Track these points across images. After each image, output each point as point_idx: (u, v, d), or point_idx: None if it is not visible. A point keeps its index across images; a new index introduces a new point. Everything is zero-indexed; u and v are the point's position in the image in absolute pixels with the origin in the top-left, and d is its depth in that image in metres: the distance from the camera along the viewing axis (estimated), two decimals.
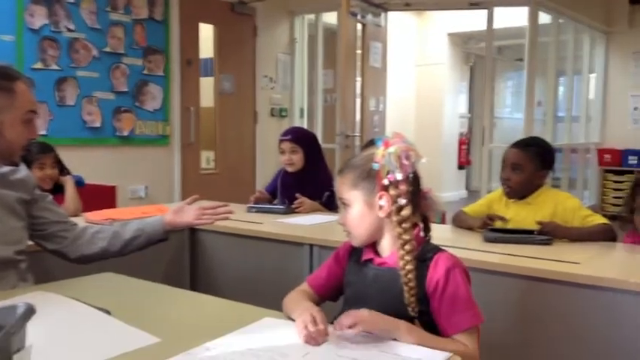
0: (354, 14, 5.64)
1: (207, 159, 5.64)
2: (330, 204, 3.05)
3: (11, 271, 1.69)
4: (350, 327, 1.19)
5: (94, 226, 1.97)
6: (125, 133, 4.69)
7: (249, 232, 2.53)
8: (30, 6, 4.11)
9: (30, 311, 1.01)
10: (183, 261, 2.66)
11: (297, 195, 2.98)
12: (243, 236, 2.55)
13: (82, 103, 4.41)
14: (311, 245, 2.31)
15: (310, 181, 3.07)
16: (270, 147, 5.89)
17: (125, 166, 4.66)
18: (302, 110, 6.36)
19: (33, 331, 0.99)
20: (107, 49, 4.55)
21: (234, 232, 2.57)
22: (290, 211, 2.92)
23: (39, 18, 4.16)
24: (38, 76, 4.15)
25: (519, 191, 2.40)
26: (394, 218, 1.30)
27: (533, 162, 2.37)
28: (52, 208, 1.88)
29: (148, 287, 1.67)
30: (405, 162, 1.28)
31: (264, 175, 5.62)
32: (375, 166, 1.31)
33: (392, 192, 1.30)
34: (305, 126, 6.09)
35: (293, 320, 1.31)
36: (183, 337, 1.27)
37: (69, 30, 4.33)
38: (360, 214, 1.35)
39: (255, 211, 2.94)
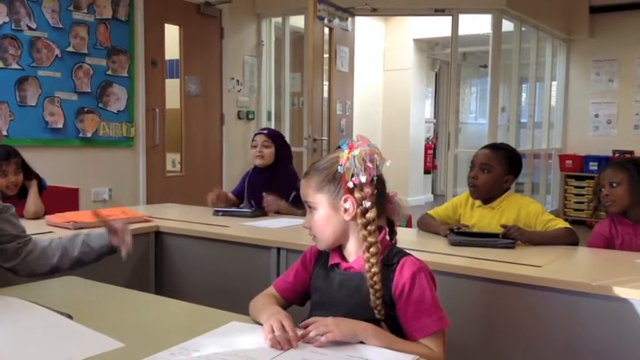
0: (321, 18, 5.65)
1: (172, 161, 5.57)
2: (297, 203, 3.06)
3: None
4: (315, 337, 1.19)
5: (43, 241, 1.83)
6: (88, 135, 4.60)
7: (216, 236, 2.51)
8: None
9: None
10: (149, 264, 2.62)
11: (264, 194, 3.00)
12: (209, 239, 2.53)
13: (43, 103, 4.31)
14: (278, 248, 2.31)
15: (277, 180, 3.11)
16: (237, 149, 5.87)
17: (88, 168, 4.57)
18: (269, 113, 6.34)
19: None
20: (70, 49, 4.46)
21: (201, 235, 2.55)
22: (257, 214, 2.91)
23: None
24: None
25: (485, 192, 2.43)
26: (359, 221, 1.31)
27: (501, 165, 2.41)
28: (12, 220, 1.78)
29: (111, 291, 1.64)
30: (369, 164, 1.29)
31: (231, 178, 5.58)
32: (340, 168, 1.31)
33: (357, 195, 1.30)
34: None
35: (260, 324, 1.30)
36: (148, 341, 1.25)
37: (30, 29, 4.22)
38: (325, 217, 1.35)
39: (222, 215, 2.92)
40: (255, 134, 3.26)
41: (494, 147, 2.52)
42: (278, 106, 6.39)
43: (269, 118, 6.32)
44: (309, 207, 1.38)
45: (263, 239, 2.37)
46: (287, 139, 6.02)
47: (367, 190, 1.29)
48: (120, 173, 4.88)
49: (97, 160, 4.66)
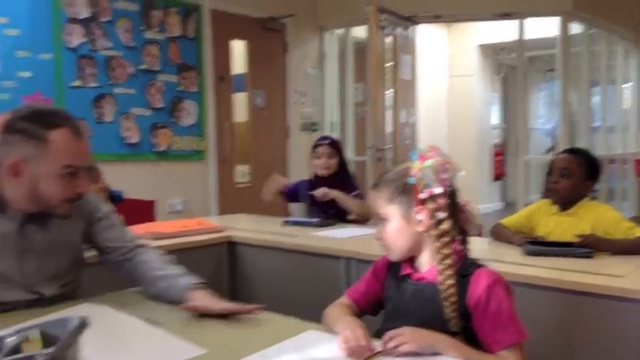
0: (383, 28, 5.66)
1: (241, 173, 5.70)
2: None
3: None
4: (395, 348, 1.20)
5: (146, 262, 1.72)
6: (162, 149, 4.79)
7: (286, 245, 2.55)
8: (67, 25, 4.23)
9: (83, 324, 1.04)
10: (223, 273, 2.69)
11: (314, 192, 3.06)
12: (279, 249, 2.58)
13: (119, 119, 4.52)
14: (347, 258, 2.32)
15: (340, 187, 3.13)
16: (301, 161, 5.93)
17: (163, 181, 4.74)
18: (333, 124, 6.39)
19: (84, 342, 1.02)
20: (143, 67, 4.66)
21: (271, 245, 2.60)
22: (325, 224, 2.94)
23: (76, 37, 4.28)
24: (77, 94, 4.27)
25: (566, 197, 2.36)
26: (433, 232, 1.31)
27: (581, 169, 2.35)
28: (112, 231, 1.74)
29: None
30: (443, 175, 1.29)
31: None
32: (411, 180, 1.31)
33: (430, 206, 1.30)
34: None
35: (335, 333, 1.32)
36: (228, 348, 1.29)
37: (105, 48, 4.44)
38: (397, 228, 1.36)
39: (291, 224, 2.97)
40: (317, 144, 3.23)
41: (573, 151, 2.47)
42: (341, 116, 6.43)
43: (332, 129, 6.37)
44: (381, 219, 1.39)
45: (332, 249, 2.39)
46: (350, 148, 6.12)
47: (441, 201, 1.29)
48: (192, 185, 5.04)
49: (171, 173, 4.84)
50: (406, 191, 1.33)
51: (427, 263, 1.36)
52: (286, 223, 3.01)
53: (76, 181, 1.53)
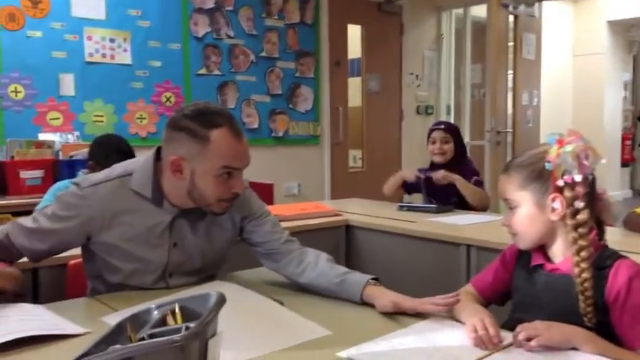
0: (506, 6, 5.42)
1: (354, 157, 5.74)
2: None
3: None
4: (526, 340, 1.16)
5: (306, 261, 1.66)
6: (280, 134, 4.93)
7: (403, 231, 2.54)
8: (194, 15, 4.45)
9: (222, 300, 1.10)
10: (339, 257, 2.73)
11: (433, 174, 2.98)
12: (396, 234, 2.57)
13: (241, 106, 4.70)
14: (468, 245, 2.27)
15: (456, 172, 3.02)
16: (415, 145, 5.86)
17: (280, 165, 4.89)
18: (449, 107, 6.24)
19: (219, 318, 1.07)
20: (263, 54, 4.80)
21: (389, 229, 2.60)
22: (442, 209, 2.88)
23: (202, 26, 4.49)
24: (202, 82, 4.49)
25: None
26: (569, 222, 1.24)
27: None
28: (265, 227, 1.70)
29: None
30: (585, 162, 1.22)
31: None
32: (548, 165, 1.25)
33: (567, 194, 1.23)
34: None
35: (459, 322, 1.30)
36: (353, 331, 1.31)
37: (229, 37, 4.62)
38: (528, 216, 1.30)
39: (407, 210, 2.95)
40: (432, 129, 3.16)
41: None
42: (457, 99, 6.26)
43: (448, 112, 6.23)
44: (510, 205, 1.34)
45: (452, 235, 2.35)
46: (467, 132, 5.95)
47: (580, 189, 1.22)
48: (307, 169, 5.15)
49: (287, 158, 4.97)
50: (541, 177, 1.27)
51: (561, 254, 1.30)
52: (402, 208, 2.99)
53: (232, 181, 1.51)
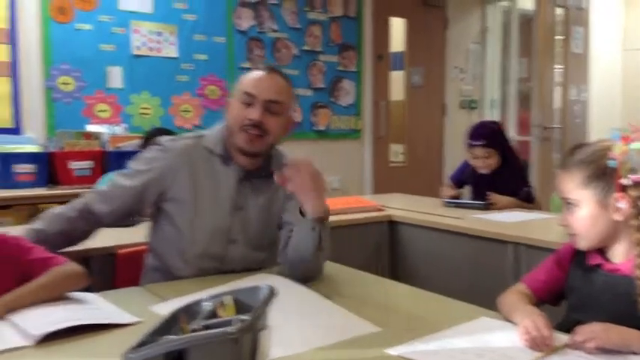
0: None
1: (395, 152, 5.69)
2: (529, 199, 2.92)
3: None
4: (583, 343, 1.12)
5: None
6: (321, 128, 4.92)
7: (449, 227, 2.50)
8: (238, 9, 4.47)
9: (272, 293, 1.10)
10: (383, 251, 2.72)
11: (488, 193, 2.88)
12: (442, 230, 2.53)
13: None
14: (515, 244, 2.22)
15: (505, 179, 2.95)
16: (459, 139, 5.75)
17: (321, 159, 4.81)
18: (493, 101, 6.13)
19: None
20: (306, 48, 4.79)
21: (434, 225, 2.57)
22: (488, 207, 2.83)
23: (246, 20, 4.51)
24: None
25: None
26: (633, 222, 1.19)
27: None
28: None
29: (361, 276, 1.73)
30: None
31: (451, 169, 5.50)
32: (613, 163, 1.20)
33: (632, 193, 1.18)
34: (497, 118, 5.86)
35: (511, 322, 1.27)
36: (402, 328, 1.29)
37: (273, 30, 4.63)
38: (590, 215, 1.25)
39: (453, 206, 2.90)
40: (471, 144, 2.96)
41: None
42: (503, 93, 6.14)
43: (493, 107, 6.11)
44: (569, 203, 1.29)
45: (500, 233, 2.30)
46: (512, 128, 5.82)
47: None
48: (348, 164, 5.13)
49: (329, 152, 4.96)
50: (604, 175, 1.22)
51: (622, 254, 1.25)
52: (448, 204, 2.94)
53: (250, 109, 1.63)
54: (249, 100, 1.64)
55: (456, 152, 5.66)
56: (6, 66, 3.62)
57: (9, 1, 3.60)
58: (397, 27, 5.55)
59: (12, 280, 1.34)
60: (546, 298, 1.41)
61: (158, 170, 1.66)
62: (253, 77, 1.67)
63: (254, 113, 1.63)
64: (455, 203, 2.94)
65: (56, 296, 1.36)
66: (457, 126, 5.75)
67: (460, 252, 2.46)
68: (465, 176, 3.16)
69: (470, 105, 5.96)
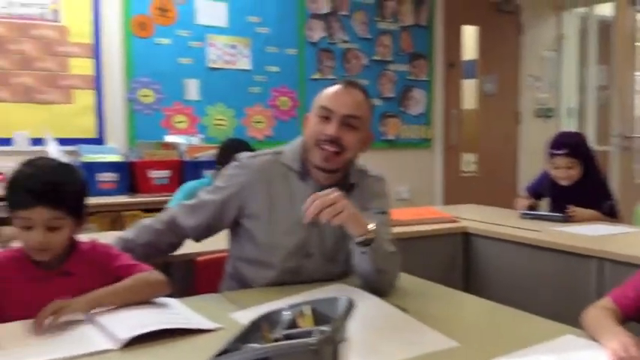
0: (634, 3, 5.05)
1: (467, 162, 5.58)
2: (612, 213, 2.79)
3: None
4: None
5: None
6: (391, 137, 4.90)
7: (527, 240, 2.42)
8: (309, 21, 4.53)
9: (351, 305, 1.10)
10: (457, 264, 2.66)
11: (569, 206, 2.76)
12: (519, 244, 2.46)
13: None
14: (600, 259, 2.13)
15: (587, 192, 2.82)
16: (533, 149, 5.59)
17: (390, 169, 4.80)
18: (570, 110, 5.91)
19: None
20: (376, 57, 4.80)
21: (510, 238, 2.49)
22: (568, 219, 2.72)
23: (317, 32, 4.56)
24: (317, 86, 4.52)
25: None
26: None
27: None
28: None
29: (436, 289, 1.71)
30: None
31: (526, 179, 5.35)
32: None
33: None
34: (574, 127, 5.66)
35: (596, 341, 1.22)
36: (481, 345, 1.26)
37: (343, 41, 4.66)
38: None
39: (530, 218, 2.81)
40: (553, 154, 2.84)
41: None
42: (581, 101, 5.91)
43: (569, 115, 5.89)
44: None
45: (582, 247, 2.20)
46: (591, 137, 5.59)
47: None
48: (418, 173, 5.08)
49: (398, 161, 4.93)
50: None
51: None
52: (525, 215, 2.85)
53: (327, 124, 1.62)
54: (326, 114, 1.63)
55: (531, 162, 5.50)
56: (91, 79, 3.82)
57: (93, 18, 3.80)
58: (469, 34, 5.47)
59: (99, 285, 1.41)
60: (634, 316, 1.34)
61: (237, 187, 1.68)
62: (331, 92, 1.66)
63: (331, 128, 1.61)
64: (532, 215, 2.85)
65: (137, 300, 1.41)
66: (532, 135, 5.59)
67: (539, 266, 2.38)
68: (542, 188, 3.04)
69: (546, 113, 5.78)
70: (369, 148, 1.74)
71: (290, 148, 1.73)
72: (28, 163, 1.45)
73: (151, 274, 1.48)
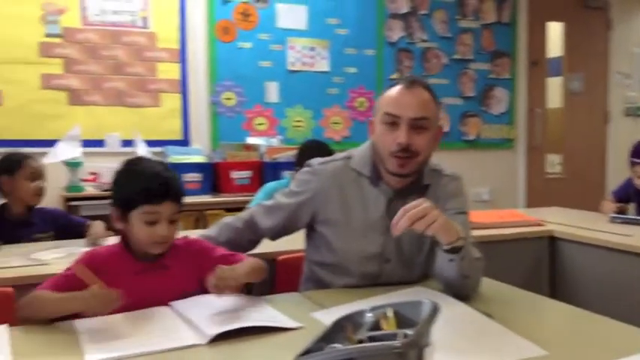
0: None
1: (552, 162, 5.38)
2: None
3: None
4: None
5: None
6: (471, 137, 4.80)
7: (617, 245, 2.32)
8: (388, 21, 4.51)
9: (436, 309, 1.08)
10: (542, 269, 2.58)
11: None
12: (608, 248, 2.35)
13: None
14: None
15: None
16: (623, 150, 5.30)
17: (470, 170, 4.74)
18: None
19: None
20: (456, 56, 4.72)
21: (600, 243, 2.39)
22: None
23: (396, 32, 4.54)
24: None
25: None
26: None
27: None
28: None
29: (521, 294, 1.66)
30: None
31: (615, 181, 5.09)
32: None
33: None
34: None
35: None
36: (572, 353, 1.21)
37: (422, 40, 4.61)
38: None
39: (620, 222, 2.68)
40: (633, 162, 2.76)
41: None
42: None
43: None
44: None
45: None
46: None
47: None
48: (499, 175, 4.95)
49: (478, 162, 4.82)
50: None
51: None
52: (614, 219, 2.72)
53: (397, 132, 1.55)
54: (392, 120, 1.56)
55: (621, 163, 5.22)
56: (177, 83, 3.97)
57: (180, 24, 3.95)
58: (554, 31, 5.26)
59: (193, 277, 1.50)
60: None
61: (310, 192, 1.69)
62: (394, 95, 1.58)
63: (401, 137, 1.54)
64: (622, 219, 2.72)
65: (258, 280, 1.54)
66: (622, 135, 5.32)
67: (630, 272, 2.27)
68: (629, 194, 2.91)
69: (636, 112, 5.49)
70: (439, 143, 1.67)
71: (359, 153, 1.70)
72: (138, 163, 1.55)
73: (256, 259, 1.58)
